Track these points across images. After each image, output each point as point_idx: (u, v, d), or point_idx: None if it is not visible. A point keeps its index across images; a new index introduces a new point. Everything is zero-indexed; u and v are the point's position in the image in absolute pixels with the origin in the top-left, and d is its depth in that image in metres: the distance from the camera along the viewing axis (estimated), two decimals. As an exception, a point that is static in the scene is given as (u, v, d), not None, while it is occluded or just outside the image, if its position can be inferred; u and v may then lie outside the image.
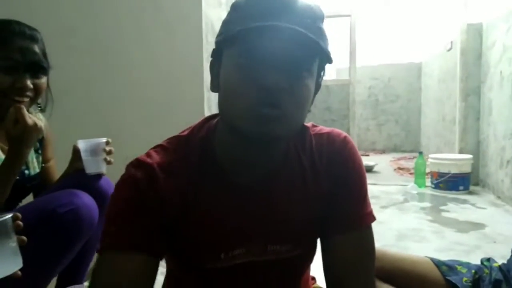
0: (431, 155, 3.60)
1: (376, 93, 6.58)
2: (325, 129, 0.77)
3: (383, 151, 6.44)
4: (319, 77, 0.66)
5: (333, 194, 0.73)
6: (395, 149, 6.48)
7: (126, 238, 0.63)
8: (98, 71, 1.73)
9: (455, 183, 3.29)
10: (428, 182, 3.56)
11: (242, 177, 0.69)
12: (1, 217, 0.75)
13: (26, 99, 1.05)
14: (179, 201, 0.67)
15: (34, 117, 1.01)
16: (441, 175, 3.36)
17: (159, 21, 1.85)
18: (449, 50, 4.17)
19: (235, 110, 0.60)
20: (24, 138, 0.98)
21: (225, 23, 0.64)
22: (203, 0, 1.85)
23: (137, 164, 0.67)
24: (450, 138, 4.06)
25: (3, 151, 1.06)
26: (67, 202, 1.04)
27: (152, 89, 1.86)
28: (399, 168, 4.59)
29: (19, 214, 0.79)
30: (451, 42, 4.08)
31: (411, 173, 4.10)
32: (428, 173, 3.59)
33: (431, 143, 5.20)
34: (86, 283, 1.24)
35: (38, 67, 1.07)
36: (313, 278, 0.95)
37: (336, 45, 5.08)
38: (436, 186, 3.39)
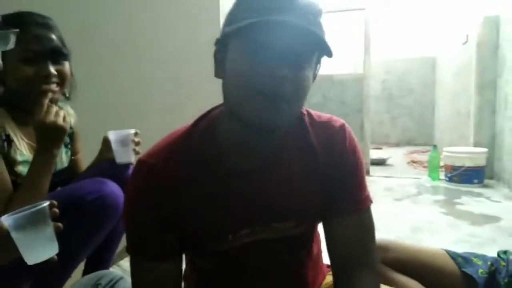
0: (445, 148, 3.56)
1: (390, 87, 6.52)
2: (324, 115, 0.80)
3: (396, 145, 6.39)
4: (316, 69, 0.70)
5: (332, 179, 0.76)
6: (408, 143, 6.42)
7: (148, 250, 0.73)
8: (119, 63, 1.75)
9: (469, 176, 3.26)
10: (442, 175, 3.54)
11: (243, 163, 0.73)
12: (39, 205, 0.78)
13: (54, 87, 1.06)
14: (184, 193, 0.71)
15: (62, 112, 1.02)
16: (455, 168, 3.33)
17: (178, 14, 1.87)
18: (464, 43, 4.10)
19: (240, 98, 0.63)
20: (48, 135, 0.99)
21: (233, 13, 0.66)
22: (220, -6, 1.87)
23: (142, 165, 0.72)
24: (465, 131, 4.01)
25: (33, 149, 1.07)
26: (95, 189, 1.07)
27: (172, 81, 1.89)
28: (413, 161, 4.56)
29: (55, 202, 0.81)
30: (467, 35, 4.01)
31: (424, 167, 4.08)
32: (442, 166, 3.56)
33: (445, 137, 5.14)
34: (111, 268, 1.29)
35: (58, 53, 1.07)
36: (329, 266, 0.97)
37: (350, 39, 5.04)
38: (450, 180, 3.37)
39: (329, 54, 0.65)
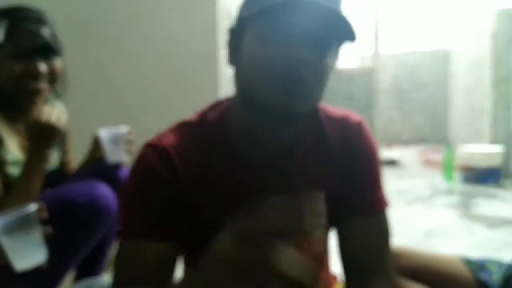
0: (459, 148, 3.49)
1: (400, 82, 6.39)
2: (340, 111, 0.76)
3: (408, 143, 6.27)
4: (334, 60, 0.66)
5: (347, 178, 0.72)
6: (420, 141, 6.29)
7: (145, 228, 0.65)
8: (113, 58, 1.74)
9: (485, 177, 3.19)
10: (456, 175, 3.44)
11: (255, 155, 0.69)
12: (26, 209, 0.75)
13: (43, 85, 1.04)
14: (194, 183, 0.67)
15: (56, 111, 1.01)
16: (470, 168, 3.26)
17: (174, 8, 1.85)
18: (478, 36, 4.01)
19: (260, 83, 0.60)
20: (41, 135, 0.98)
21: (249, 1, 0.64)
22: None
23: (151, 147, 0.68)
24: (480, 128, 3.91)
25: (22, 148, 1.06)
26: (86, 192, 1.05)
27: (167, 77, 1.88)
28: (426, 161, 4.45)
29: (44, 205, 0.80)
30: (481, 28, 3.93)
31: (438, 166, 3.98)
32: (457, 166, 3.47)
33: (459, 134, 5.03)
34: (105, 274, 1.26)
35: (50, 50, 1.05)
36: (335, 277, 0.92)
37: (359, 31, 4.96)
38: (465, 180, 3.29)
39: (353, 39, 0.61)
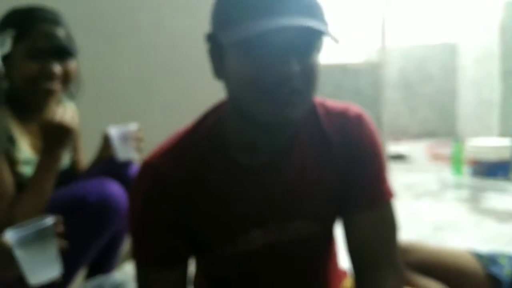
0: (468, 142, 3.45)
1: (407, 75, 6.33)
2: (340, 104, 0.75)
3: (416, 137, 6.22)
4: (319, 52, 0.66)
5: (348, 172, 0.72)
6: (428, 135, 6.24)
7: (153, 259, 0.70)
8: (120, 57, 1.74)
9: (494, 170, 3.16)
10: (465, 169, 3.41)
11: (253, 158, 0.70)
12: (43, 223, 0.74)
13: (57, 86, 1.05)
14: (191, 191, 0.69)
15: (70, 112, 1.02)
16: (479, 162, 3.23)
17: (180, 6, 1.85)
18: (486, 28, 3.96)
19: (252, 99, 0.60)
20: (55, 135, 0.99)
21: (224, 11, 0.61)
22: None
23: (147, 169, 0.70)
24: (488, 121, 3.87)
25: (34, 148, 1.07)
26: (97, 190, 1.06)
27: (175, 75, 1.88)
28: (434, 155, 4.42)
29: (60, 219, 0.79)
30: (489, 20, 3.88)
31: (447, 160, 3.94)
32: (465, 160, 3.44)
33: (468, 127, 4.98)
34: (116, 272, 1.27)
35: (65, 52, 1.06)
36: (345, 272, 0.92)
37: (365, 26, 4.92)
38: (474, 174, 3.27)
39: (335, 41, 0.60)
